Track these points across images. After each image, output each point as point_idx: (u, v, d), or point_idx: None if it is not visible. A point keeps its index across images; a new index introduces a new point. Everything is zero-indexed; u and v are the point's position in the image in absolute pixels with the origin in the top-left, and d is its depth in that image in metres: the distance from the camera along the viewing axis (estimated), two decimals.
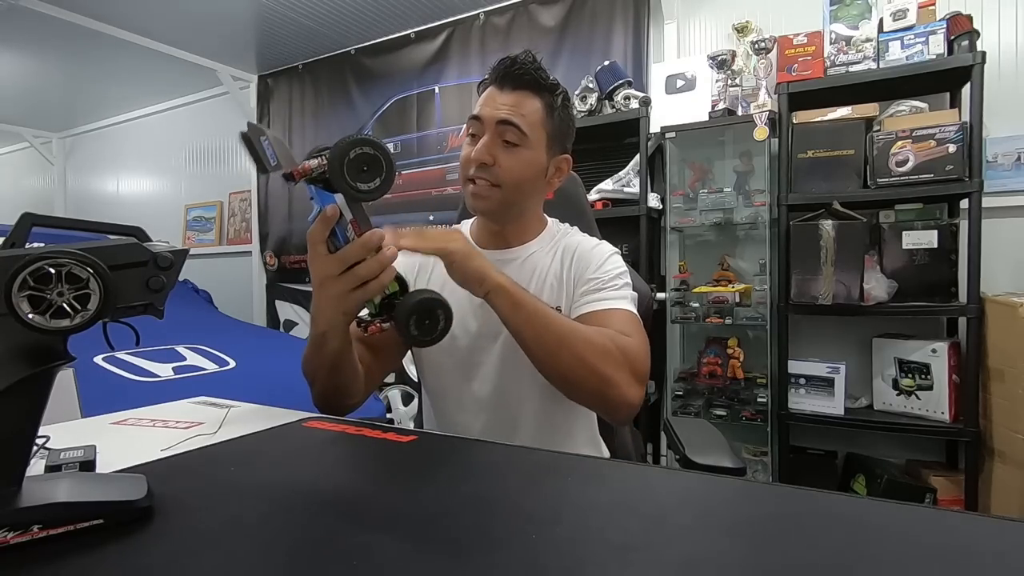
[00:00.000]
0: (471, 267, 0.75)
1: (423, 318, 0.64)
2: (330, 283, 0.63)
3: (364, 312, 0.69)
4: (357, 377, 0.81)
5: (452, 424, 0.97)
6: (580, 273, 0.91)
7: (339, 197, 0.60)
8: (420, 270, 1.00)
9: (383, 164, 0.59)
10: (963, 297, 1.80)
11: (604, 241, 0.98)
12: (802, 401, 1.99)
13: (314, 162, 0.58)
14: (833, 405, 1.94)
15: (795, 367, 2.00)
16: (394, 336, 0.95)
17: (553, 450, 0.65)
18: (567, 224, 1.02)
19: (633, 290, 0.93)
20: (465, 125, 0.91)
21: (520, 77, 0.86)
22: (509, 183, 0.87)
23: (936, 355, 1.82)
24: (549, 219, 1.01)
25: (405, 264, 1.02)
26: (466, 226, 1.02)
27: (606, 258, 0.92)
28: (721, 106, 2.15)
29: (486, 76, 0.91)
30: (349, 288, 0.63)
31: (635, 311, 0.88)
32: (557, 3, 2.70)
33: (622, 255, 0.99)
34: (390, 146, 3.19)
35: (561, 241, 0.96)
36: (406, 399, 2.82)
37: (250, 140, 0.55)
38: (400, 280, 0.67)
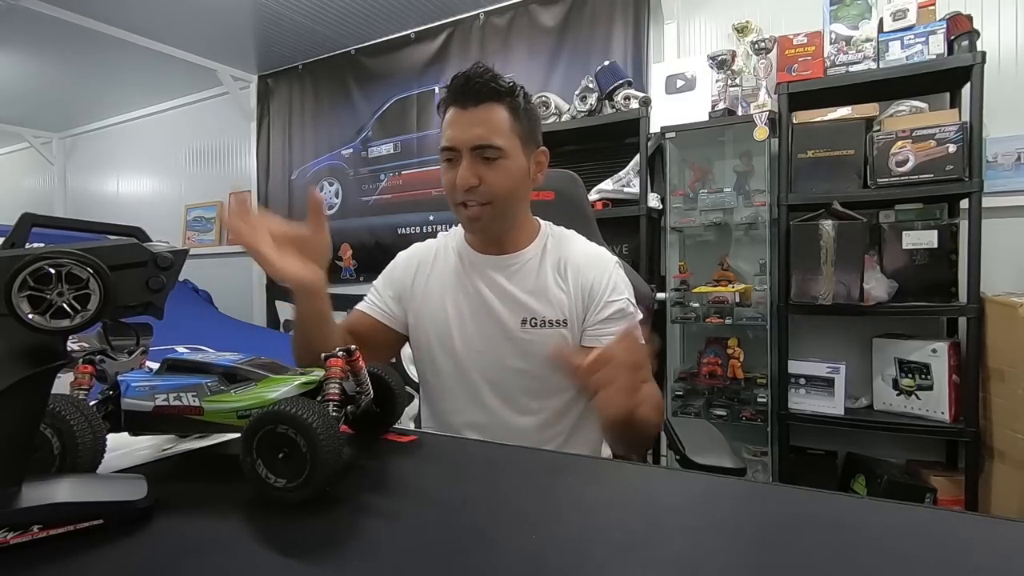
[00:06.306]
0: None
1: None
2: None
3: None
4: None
5: (451, 425, 0.97)
6: (588, 291, 0.92)
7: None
8: (419, 268, 1.00)
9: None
10: (963, 297, 1.80)
11: (600, 248, 0.99)
12: (802, 401, 1.99)
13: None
14: (833, 405, 1.94)
15: (795, 367, 2.00)
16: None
17: (553, 450, 0.65)
18: (561, 227, 1.02)
19: (633, 291, 0.94)
20: (440, 154, 0.91)
21: (479, 91, 0.86)
22: (500, 196, 0.88)
23: (936, 355, 1.82)
24: (540, 221, 1.01)
25: (406, 263, 1.02)
26: (463, 232, 1.02)
27: (613, 278, 0.93)
28: (721, 106, 2.15)
29: (443, 96, 0.90)
30: None
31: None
32: (557, 3, 2.70)
33: (622, 255, 0.99)
34: (390, 146, 3.26)
35: (557, 249, 0.97)
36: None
37: None
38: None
